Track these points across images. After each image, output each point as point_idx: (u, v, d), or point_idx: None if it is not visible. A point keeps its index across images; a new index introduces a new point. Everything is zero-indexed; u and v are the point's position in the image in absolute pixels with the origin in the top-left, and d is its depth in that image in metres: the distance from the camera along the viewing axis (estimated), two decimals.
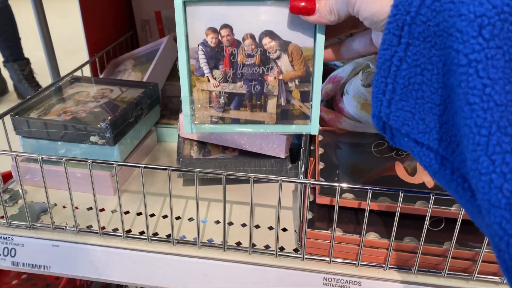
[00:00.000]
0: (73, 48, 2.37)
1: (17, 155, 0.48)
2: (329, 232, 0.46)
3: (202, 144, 0.61)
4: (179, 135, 0.61)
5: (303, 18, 0.38)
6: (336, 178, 0.51)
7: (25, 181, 0.60)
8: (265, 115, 0.44)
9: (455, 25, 0.25)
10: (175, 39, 0.84)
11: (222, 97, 0.43)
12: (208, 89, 0.43)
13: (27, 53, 2.27)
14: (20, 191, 0.58)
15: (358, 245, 0.46)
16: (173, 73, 0.81)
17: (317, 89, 0.42)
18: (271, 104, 0.43)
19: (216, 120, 0.44)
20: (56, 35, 0.89)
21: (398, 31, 0.28)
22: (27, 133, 0.59)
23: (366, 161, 0.55)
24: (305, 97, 0.43)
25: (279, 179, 0.44)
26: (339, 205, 0.44)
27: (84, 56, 0.82)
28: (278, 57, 0.41)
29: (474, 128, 0.23)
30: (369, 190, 0.43)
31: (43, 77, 2.30)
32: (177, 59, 0.81)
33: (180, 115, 0.60)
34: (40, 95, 0.63)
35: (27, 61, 2.23)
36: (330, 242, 0.46)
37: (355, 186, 0.43)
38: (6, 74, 2.30)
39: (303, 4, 0.37)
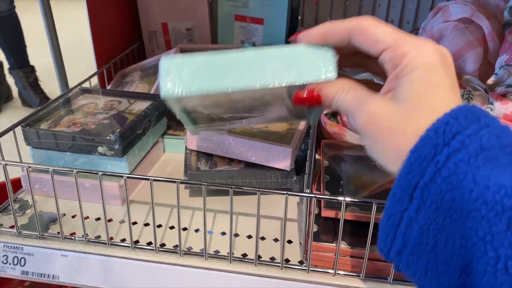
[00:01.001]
0: (79, 54, 2.39)
1: (29, 167, 0.49)
2: (334, 245, 0.47)
3: (208, 156, 0.62)
4: (186, 147, 0.62)
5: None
6: (341, 191, 0.52)
7: (35, 191, 0.61)
8: None
9: (479, 211, 0.23)
10: (181, 51, 0.85)
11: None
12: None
13: (32, 60, 2.30)
14: (30, 201, 0.59)
15: (363, 258, 0.47)
16: None
17: None
18: None
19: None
20: (63, 40, 0.90)
21: (410, 189, 0.27)
22: (37, 144, 0.60)
23: (370, 174, 0.55)
24: None
25: (285, 193, 0.45)
26: (345, 218, 0.45)
27: (90, 62, 0.83)
28: None
29: None
30: (373, 204, 0.43)
31: (48, 85, 2.33)
32: None
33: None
34: (49, 107, 0.65)
35: (32, 69, 2.26)
36: (335, 254, 0.47)
37: (360, 200, 0.44)
38: (11, 81, 2.32)
39: (308, 97, 0.34)
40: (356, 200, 0.44)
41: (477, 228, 0.23)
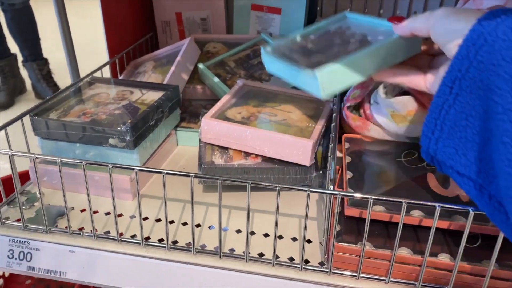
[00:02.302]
0: (92, 49, 2.38)
1: (36, 157, 0.46)
2: (358, 246, 0.44)
3: (223, 150, 0.59)
4: (200, 140, 0.60)
5: (393, 26, 0.45)
6: (364, 189, 0.49)
7: (43, 183, 0.59)
8: (306, 60, 0.48)
9: (495, 82, 0.32)
10: (196, 41, 0.82)
11: None
12: None
13: (45, 54, 2.29)
14: (38, 194, 0.57)
15: (389, 261, 0.43)
16: (194, 76, 0.80)
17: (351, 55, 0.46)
18: (316, 57, 0.49)
19: None
20: (76, 36, 0.88)
21: (450, 83, 0.35)
22: (45, 134, 0.57)
23: (396, 171, 0.52)
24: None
25: (307, 189, 0.41)
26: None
27: (104, 57, 0.81)
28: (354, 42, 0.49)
29: (506, 162, 0.30)
30: (403, 204, 0.40)
31: (61, 78, 2.32)
32: (198, 61, 0.80)
33: (202, 119, 0.58)
34: (59, 96, 0.62)
35: (45, 61, 2.25)
36: (359, 256, 0.44)
37: (389, 199, 0.41)
38: (25, 73, 2.32)
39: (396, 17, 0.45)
40: (384, 198, 0.41)
41: (493, 95, 0.32)
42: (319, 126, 0.58)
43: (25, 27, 2.15)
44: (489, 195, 0.33)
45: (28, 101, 2.32)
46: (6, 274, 0.97)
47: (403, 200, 0.40)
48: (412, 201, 0.40)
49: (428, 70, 0.45)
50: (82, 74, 0.87)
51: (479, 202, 0.34)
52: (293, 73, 0.47)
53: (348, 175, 0.51)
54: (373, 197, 0.40)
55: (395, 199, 0.41)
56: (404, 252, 0.43)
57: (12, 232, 0.51)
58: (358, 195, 0.41)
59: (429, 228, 0.41)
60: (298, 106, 0.63)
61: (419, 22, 0.42)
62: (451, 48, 0.37)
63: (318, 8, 0.93)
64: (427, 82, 0.44)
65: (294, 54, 0.50)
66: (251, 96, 0.66)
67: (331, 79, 0.44)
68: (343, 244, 0.44)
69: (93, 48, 2.13)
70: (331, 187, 0.43)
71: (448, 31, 0.37)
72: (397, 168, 0.53)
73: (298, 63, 0.47)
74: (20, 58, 2.26)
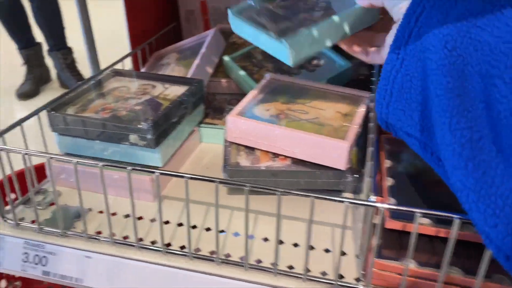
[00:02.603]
0: (114, 40, 2.37)
1: (51, 158, 0.43)
2: (400, 263, 0.39)
3: (250, 150, 0.55)
4: (225, 140, 0.56)
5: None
6: (407, 198, 0.44)
7: (60, 182, 0.56)
8: (274, 26, 0.50)
9: (430, 42, 0.33)
10: (221, 31, 0.78)
11: None
12: None
13: (70, 43, 2.29)
14: (53, 191, 0.54)
15: (436, 281, 0.39)
16: (219, 68, 0.75)
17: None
18: (285, 24, 0.51)
19: None
20: (98, 25, 0.85)
21: (397, 50, 0.37)
22: (63, 131, 0.54)
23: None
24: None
25: (346, 200, 0.37)
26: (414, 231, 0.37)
27: (126, 48, 0.78)
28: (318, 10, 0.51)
29: (440, 113, 0.32)
30: (455, 220, 0.35)
31: (85, 67, 2.32)
32: (223, 53, 0.76)
33: (227, 117, 0.54)
34: (78, 89, 0.59)
35: (70, 50, 2.25)
36: (401, 275, 0.39)
37: (439, 213, 0.36)
38: (50, 63, 2.33)
39: None
40: (433, 212, 0.36)
41: (430, 55, 0.34)
42: (355, 126, 0.53)
43: (51, 16, 2.15)
44: (431, 152, 0.35)
45: (53, 90, 2.33)
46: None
47: (455, 216, 0.35)
48: (465, 218, 0.35)
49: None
50: (103, 65, 0.84)
51: (426, 159, 0.36)
52: (260, 38, 0.50)
53: (388, 181, 0.46)
54: (421, 211, 0.36)
55: (445, 214, 0.36)
56: (454, 273, 0.39)
57: (27, 235, 0.48)
58: (404, 208, 0.36)
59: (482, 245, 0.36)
60: (331, 103, 0.59)
61: None
62: (397, 12, 0.40)
63: None
64: (383, 56, 0.46)
65: (262, 18, 0.52)
66: (280, 92, 0.61)
67: (299, 47, 0.47)
68: (384, 260, 0.40)
69: (115, 37, 2.11)
70: (373, 197, 0.38)
71: None
72: None
73: (266, 28, 0.50)
74: (45, 47, 2.27)
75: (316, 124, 0.53)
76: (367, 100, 0.60)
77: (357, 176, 0.52)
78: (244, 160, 0.53)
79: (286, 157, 0.53)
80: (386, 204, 0.37)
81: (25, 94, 2.19)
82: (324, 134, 0.50)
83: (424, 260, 0.40)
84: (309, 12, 0.51)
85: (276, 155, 0.54)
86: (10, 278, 0.94)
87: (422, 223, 0.40)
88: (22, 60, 2.24)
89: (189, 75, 0.67)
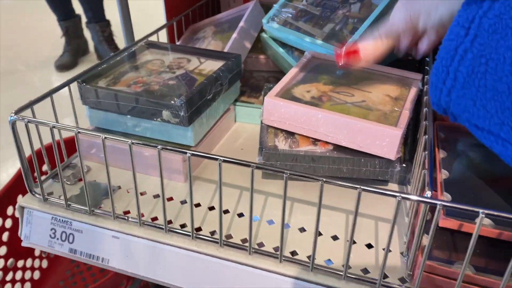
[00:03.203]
0: (150, 13, 2.34)
1: (79, 132, 0.41)
2: (454, 267, 0.35)
3: (288, 134, 0.51)
4: (262, 121, 0.52)
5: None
6: (465, 194, 0.39)
7: (90, 157, 0.54)
8: (319, 31, 0.54)
9: None
10: (262, 4, 0.74)
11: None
12: None
13: (108, 16, 2.29)
14: (81, 168, 0.52)
15: None
16: (257, 44, 0.71)
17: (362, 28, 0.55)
18: (329, 27, 0.56)
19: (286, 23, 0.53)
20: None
21: (467, 23, 0.30)
22: (94, 104, 0.52)
23: (505, 169, 0.41)
24: (353, 31, 0.55)
25: (397, 195, 0.33)
26: (471, 233, 0.32)
27: (162, 21, 0.74)
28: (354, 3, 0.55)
29: None
30: None
31: (122, 39, 2.32)
32: (262, 29, 0.72)
33: (265, 99, 0.50)
34: (111, 61, 0.57)
35: (108, 23, 2.25)
36: (455, 280, 0.35)
37: (506, 215, 0.31)
38: (88, 35, 2.34)
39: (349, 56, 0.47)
40: (499, 213, 0.31)
41: None
42: (406, 111, 0.48)
43: None
44: None
45: (91, 62, 2.34)
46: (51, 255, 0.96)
47: None
48: None
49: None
50: (138, 37, 0.81)
51: (505, 157, 0.31)
52: (305, 44, 0.52)
53: (444, 174, 0.41)
54: (486, 211, 0.31)
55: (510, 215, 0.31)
56: None
57: (55, 210, 0.47)
58: (467, 207, 0.32)
59: None
60: (379, 85, 0.54)
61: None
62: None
63: None
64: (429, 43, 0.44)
65: (300, 21, 0.54)
66: (322, 71, 0.57)
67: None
68: (436, 262, 0.36)
69: (152, 11, 2.09)
70: (429, 193, 0.34)
71: None
72: (506, 166, 0.42)
73: (309, 34, 0.53)
74: (84, 19, 2.28)
75: (363, 108, 0.49)
76: (419, 83, 0.54)
77: (405, 166, 0.47)
78: (282, 144, 0.49)
79: (328, 142, 0.49)
80: (445, 202, 0.32)
81: (63, 65, 2.22)
82: (372, 120, 0.46)
83: (482, 265, 0.36)
84: (345, 6, 0.48)
85: (317, 139, 0.50)
86: (35, 258, 0.95)
87: (483, 224, 0.36)
88: (61, 32, 2.26)
89: (226, 50, 0.63)
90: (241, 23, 0.66)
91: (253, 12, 0.69)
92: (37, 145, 0.46)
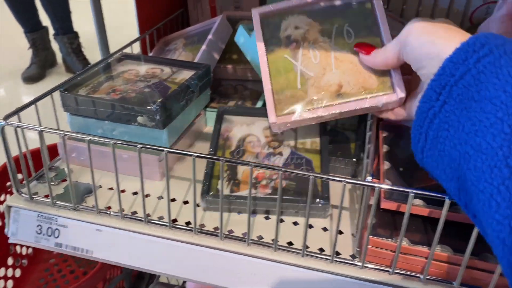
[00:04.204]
0: (121, 23, 2.36)
1: (65, 135, 0.46)
2: (393, 241, 0.42)
3: (231, 177, 0.53)
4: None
5: (362, 58, 0.48)
6: (403, 181, 0.46)
7: (71, 160, 0.58)
8: None
9: (500, 98, 0.29)
10: (228, 19, 0.80)
11: None
12: None
13: (76, 28, 2.30)
14: (66, 170, 0.57)
15: (426, 258, 0.41)
16: (224, 55, 0.77)
17: None
18: None
19: None
20: (107, 8, 0.87)
21: (439, 89, 0.33)
22: (75, 111, 0.57)
23: None
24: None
25: (343, 180, 0.39)
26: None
27: (133, 31, 0.79)
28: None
29: (489, 196, 0.27)
30: (446, 200, 0.38)
31: (91, 52, 2.33)
32: (229, 41, 0.77)
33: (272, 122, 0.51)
34: (89, 72, 0.61)
35: (76, 35, 2.27)
36: (394, 252, 0.42)
37: (431, 194, 0.38)
38: (56, 46, 2.34)
39: (364, 45, 0.48)
40: (425, 193, 0.38)
41: (497, 111, 0.29)
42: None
43: (57, 0, 2.16)
44: (466, 208, 0.31)
45: (59, 74, 2.35)
46: (30, 252, 0.99)
47: (446, 197, 0.37)
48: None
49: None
50: (111, 49, 0.86)
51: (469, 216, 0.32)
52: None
53: (386, 165, 0.48)
54: (414, 191, 0.38)
55: (437, 195, 0.38)
56: (443, 250, 0.41)
57: (41, 208, 0.51)
58: (398, 188, 0.38)
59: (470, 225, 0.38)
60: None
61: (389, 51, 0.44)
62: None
63: None
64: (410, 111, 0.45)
65: None
66: None
67: None
68: (378, 238, 0.42)
69: (124, 21, 2.12)
70: (369, 178, 0.40)
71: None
72: None
73: None
74: (51, 31, 2.29)
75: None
76: None
77: (354, 160, 0.54)
78: (224, 186, 0.51)
79: (266, 186, 0.51)
80: (382, 185, 0.39)
81: (31, 77, 2.22)
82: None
83: (416, 239, 0.42)
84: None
85: (257, 183, 0.52)
86: (16, 256, 0.98)
87: (415, 204, 0.43)
88: (28, 44, 2.26)
89: (196, 60, 0.69)
90: (209, 36, 0.72)
91: (220, 26, 0.75)
92: (15, 152, 0.49)
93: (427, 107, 0.34)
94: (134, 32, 0.80)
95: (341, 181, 0.40)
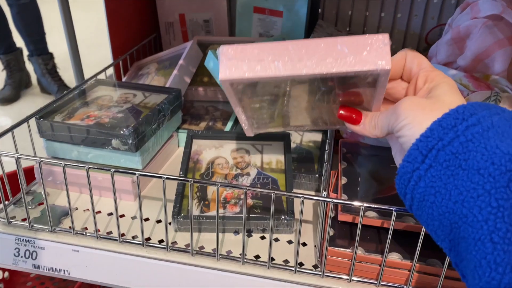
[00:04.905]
0: (96, 42, 2.38)
1: (41, 161, 0.48)
2: (350, 250, 0.46)
3: (201, 198, 0.56)
4: (220, 83, 0.39)
5: (348, 125, 0.43)
6: (359, 194, 0.50)
7: (48, 183, 0.61)
8: None
9: (488, 169, 0.29)
10: (199, 43, 0.84)
11: None
12: None
13: (50, 48, 2.31)
14: (43, 193, 0.59)
15: (380, 265, 0.45)
16: (196, 78, 0.81)
17: None
18: None
19: None
20: (80, 29, 0.89)
21: (425, 151, 0.32)
22: (51, 136, 0.59)
23: (390, 177, 0.53)
24: None
25: (301, 196, 0.43)
26: (362, 223, 0.43)
27: (107, 50, 0.82)
28: None
29: (491, 264, 0.27)
30: (393, 212, 0.42)
31: (66, 71, 2.34)
32: (200, 64, 0.81)
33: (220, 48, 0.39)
34: (64, 98, 0.64)
35: (50, 56, 2.27)
36: (351, 260, 0.45)
37: (379, 207, 0.42)
38: (30, 67, 2.34)
39: (351, 114, 0.42)
40: (375, 206, 0.43)
41: (484, 183, 0.29)
42: None
43: (31, 22, 2.17)
44: (456, 266, 0.31)
45: (34, 96, 2.34)
46: (6, 276, 0.99)
47: (394, 208, 0.42)
48: (401, 209, 0.42)
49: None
50: (85, 68, 0.88)
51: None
52: None
53: (343, 180, 0.52)
54: (364, 204, 0.42)
55: (385, 207, 0.42)
56: (394, 257, 0.45)
57: (18, 231, 0.53)
58: (349, 202, 0.42)
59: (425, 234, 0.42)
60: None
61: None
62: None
63: (319, 11, 0.94)
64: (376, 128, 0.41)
65: None
66: None
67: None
68: (336, 248, 0.46)
69: (98, 41, 2.14)
70: (325, 193, 0.44)
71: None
72: (391, 174, 0.54)
73: None
74: (26, 52, 2.29)
75: None
76: None
77: (317, 175, 0.58)
78: (194, 208, 0.53)
79: (235, 204, 0.54)
80: (335, 199, 0.43)
81: (5, 99, 2.20)
82: None
83: (371, 248, 0.46)
84: None
85: (226, 202, 0.54)
86: None
87: (369, 216, 0.47)
88: (2, 65, 2.25)
89: (168, 85, 0.72)
90: (181, 61, 0.75)
91: (191, 51, 0.79)
92: None
93: (411, 168, 0.33)
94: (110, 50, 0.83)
95: (299, 197, 0.43)
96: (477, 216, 0.28)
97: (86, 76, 0.84)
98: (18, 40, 2.26)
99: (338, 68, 0.36)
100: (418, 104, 0.36)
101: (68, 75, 2.33)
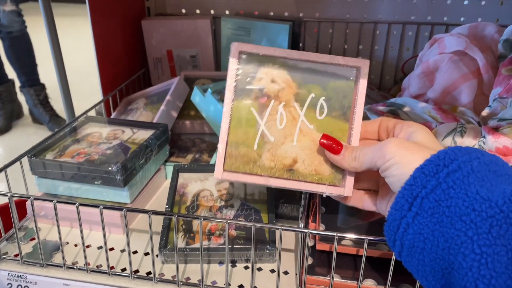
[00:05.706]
0: (87, 71, 2.43)
1: (34, 199, 0.51)
2: (328, 278, 0.48)
3: (187, 230, 0.58)
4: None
5: (328, 154, 0.45)
6: (338, 222, 0.53)
7: (39, 219, 0.63)
8: None
9: (469, 215, 0.30)
10: (186, 77, 0.88)
11: None
12: None
13: (42, 78, 2.34)
14: (35, 229, 0.61)
15: None
16: (183, 112, 0.85)
17: None
18: None
19: None
20: (72, 58, 0.92)
21: (411, 199, 0.34)
22: (42, 174, 0.62)
23: None
24: None
25: (279, 228, 0.46)
26: (338, 251, 0.46)
27: (97, 80, 0.85)
28: None
29: None
30: (365, 240, 0.45)
31: (58, 102, 2.37)
32: (187, 98, 0.85)
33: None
34: (55, 136, 0.67)
35: (42, 87, 2.31)
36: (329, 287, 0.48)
37: (352, 236, 0.45)
38: (22, 98, 2.37)
39: (331, 143, 0.45)
40: (348, 236, 0.45)
41: (467, 229, 0.30)
42: None
43: (23, 54, 2.21)
44: None
45: (25, 126, 2.36)
46: None
47: (365, 237, 0.45)
48: (373, 238, 0.45)
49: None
50: (74, 98, 0.90)
51: None
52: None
53: (322, 210, 0.55)
54: (338, 234, 0.45)
55: (358, 237, 0.45)
56: (369, 283, 0.48)
57: (11, 267, 0.55)
58: (324, 233, 0.45)
59: (397, 261, 0.45)
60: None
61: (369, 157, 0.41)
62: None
63: (300, 45, 0.98)
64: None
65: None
66: None
67: None
68: (314, 276, 0.49)
69: (89, 70, 2.17)
70: (302, 224, 0.47)
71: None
72: None
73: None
74: (17, 83, 2.32)
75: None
76: None
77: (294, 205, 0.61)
78: (180, 240, 0.55)
79: (220, 235, 0.57)
80: (311, 230, 0.46)
81: None
82: None
83: (348, 274, 0.49)
84: None
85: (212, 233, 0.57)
86: None
87: (344, 244, 0.50)
88: None
89: (155, 120, 0.75)
90: (168, 97, 0.79)
91: (178, 87, 0.82)
92: None
93: (399, 215, 0.34)
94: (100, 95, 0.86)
95: (278, 229, 0.46)
96: (462, 263, 0.29)
97: (77, 107, 0.87)
98: (10, 72, 2.29)
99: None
100: (404, 145, 0.38)
101: (60, 105, 2.36)
